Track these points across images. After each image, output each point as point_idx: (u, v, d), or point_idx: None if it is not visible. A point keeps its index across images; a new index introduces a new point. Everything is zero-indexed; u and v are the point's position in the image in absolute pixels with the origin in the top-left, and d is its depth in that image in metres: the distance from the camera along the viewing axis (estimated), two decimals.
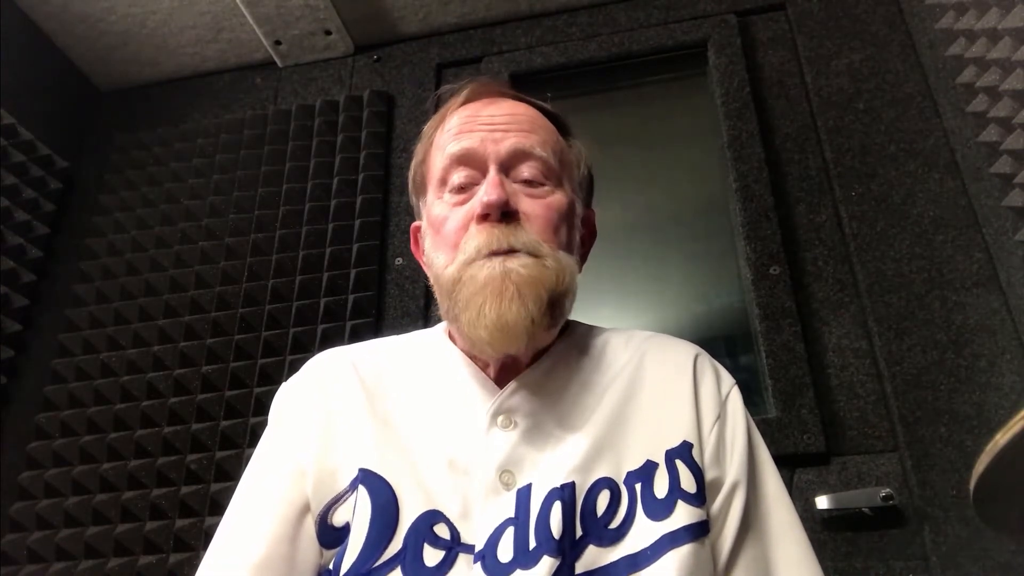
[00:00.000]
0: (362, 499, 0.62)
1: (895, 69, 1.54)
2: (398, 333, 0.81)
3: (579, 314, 0.77)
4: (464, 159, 0.70)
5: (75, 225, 1.79)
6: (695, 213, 1.68)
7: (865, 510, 1.19)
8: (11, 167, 1.68)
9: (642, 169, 1.71)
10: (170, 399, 1.50)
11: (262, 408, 1.46)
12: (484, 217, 0.67)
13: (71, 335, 1.62)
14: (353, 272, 1.57)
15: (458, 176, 0.70)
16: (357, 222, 1.62)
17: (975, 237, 1.35)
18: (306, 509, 0.65)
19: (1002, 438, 0.68)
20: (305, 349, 1.51)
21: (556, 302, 0.67)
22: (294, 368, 1.49)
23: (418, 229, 0.79)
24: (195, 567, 1.31)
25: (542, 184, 0.71)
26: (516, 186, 0.70)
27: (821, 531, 1.20)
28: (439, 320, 0.75)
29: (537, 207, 0.69)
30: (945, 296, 1.32)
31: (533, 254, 0.66)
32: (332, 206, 1.66)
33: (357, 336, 1.50)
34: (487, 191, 0.67)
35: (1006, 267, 1.28)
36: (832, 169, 1.48)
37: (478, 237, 0.66)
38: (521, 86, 0.79)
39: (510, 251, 0.65)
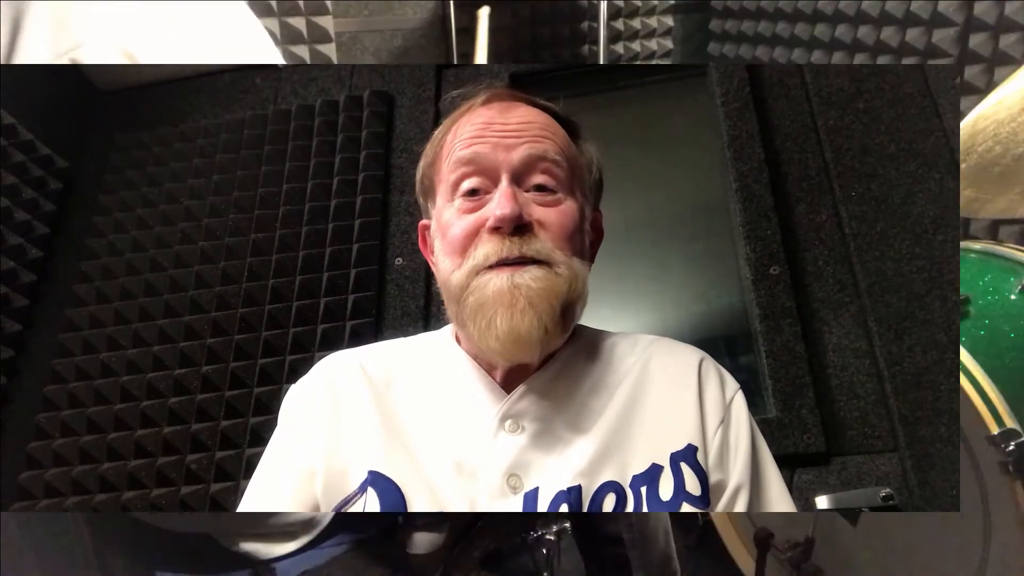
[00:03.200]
0: (371, 501, 0.62)
1: (895, 69, 1.54)
2: (398, 333, 0.81)
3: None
4: (475, 166, 0.69)
5: (75, 225, 1.79)
6: (695, 213, 1.68)
7: (865, 510, 1.19)
8: (11, 167, 1.67)
9: (642, 169, 1.71)
10: (170, 399, 1.50)
11: (262, 408, 1.46)
12: (496, 229, 0.65)
13: (71, 335, 1.62)
14: (353, 272, 1.57)
15: (469, 183, 0.69)
16: (357, 222, 1.62)
17: None
18: (316, 510, 0.65)
19: None
20: (305, 349, 1.51)
21: (568, 310, 0.66)
22: (294, 368, 1.49)
23: (426, 228, 0.78)
24: None
25: (554, 191, 0.69)
26: (528, 195, 0.68)
27: None
28: (439, 320, 0.75)
29: (551, 215, 0.68)
30: (945, 296, 1.32)
31: (546, 262, 0.65)
32: (332, 206, 1.66)
33: (357, 336, 1.50)
34: (500, 204, 0.65)
35: None
36: (832, 169, 1.48)
37: (488, 245, 0.65)
38: (521, 86, 0.79)
39: (519, 261, 0.64)
